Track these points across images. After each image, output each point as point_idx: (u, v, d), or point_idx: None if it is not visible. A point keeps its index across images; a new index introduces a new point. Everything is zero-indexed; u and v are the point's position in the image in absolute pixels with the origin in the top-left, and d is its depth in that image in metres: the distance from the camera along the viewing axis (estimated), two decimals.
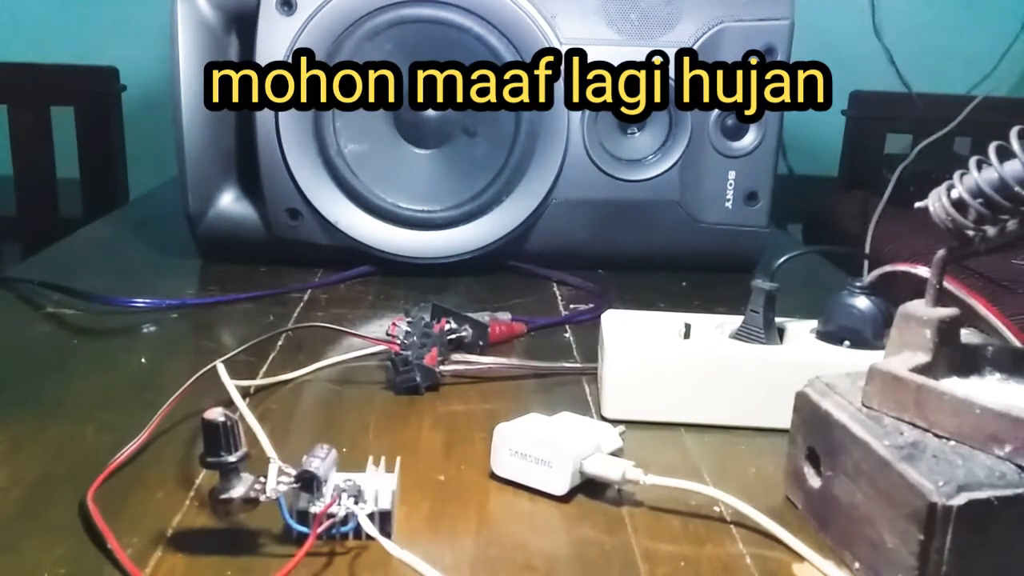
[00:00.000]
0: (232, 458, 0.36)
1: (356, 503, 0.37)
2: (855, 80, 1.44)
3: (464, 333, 0.59)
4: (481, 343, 0.59)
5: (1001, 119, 0.44)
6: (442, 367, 0.55)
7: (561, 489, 0.42)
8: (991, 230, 0.39)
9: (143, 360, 0.58)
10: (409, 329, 0.55)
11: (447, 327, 0.57)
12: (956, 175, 0.39)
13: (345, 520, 0.37)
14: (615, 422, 0.49)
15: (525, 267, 0.80)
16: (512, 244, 0.78)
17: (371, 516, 0.37)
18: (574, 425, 0.47)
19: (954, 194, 0.39)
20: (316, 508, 0.37)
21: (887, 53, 1.52)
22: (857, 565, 0.37)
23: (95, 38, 1.46)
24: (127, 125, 1.43)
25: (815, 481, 0.41)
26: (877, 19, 1.50)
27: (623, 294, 0.74)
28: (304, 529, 0.37)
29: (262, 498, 0.36)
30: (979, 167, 0.38)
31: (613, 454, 0.45)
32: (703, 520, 0.41)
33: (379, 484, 0.38)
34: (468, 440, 0.48)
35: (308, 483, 0.37)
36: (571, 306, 0.72)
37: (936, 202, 0.40)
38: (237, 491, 0.36)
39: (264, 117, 0.74)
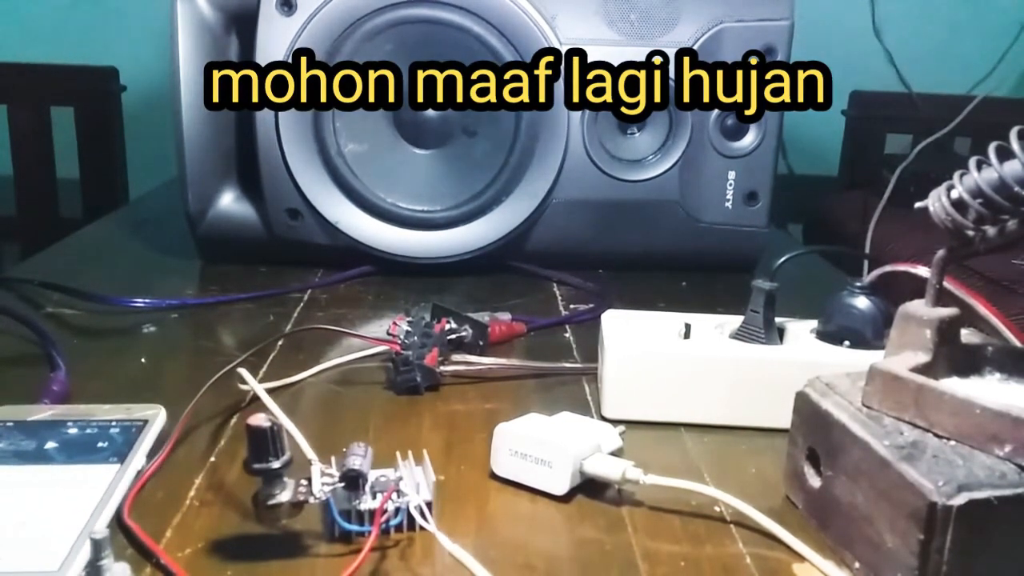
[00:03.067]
0: (278, 464, 0.36)
1: (399, 496, 0.37)
2: (855, 80, 1.44)
3: (464, 333, 0.59)
4: (481, 343, 0.59)
5: (1001, 119, 0.44)
6: (442, 367, 0.55)
7: (561, 489, 0.42)
8: (991, 230, 0.39)
9: (143, 360, 0.58)
10: (409, 329, 0.55)
11: (447, 327, 0.57)
12: (956, 175, 0.39)
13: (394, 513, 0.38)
14: (615, 422, 0.49)
15: (525, 267, 0.80)
16: (512, 244, 0.78)
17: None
18: (574, 425, 0.47)
19: (954, 194, 0.39)
20: (364, 506, 0.37)
21: (887, 53, 1.52)
22: (857, 565, 0.37)
23: (95, 38, 1.46)
24: (127, 125, 1.44)
25: (815, 481, 0.41)
26: (877, 19, 1.50)
27: (623, 294, 0.74)
28: (355, 527, 0.37)
29: (311, 500, 0.37)
30: (979, 167, 0.38)
31: (613, 454, 0.45)
32: (703, 520, 0.41)
33: (417, 477, 0.39)
34: (468, 440, 0.48)
35: (354, 481, 0.37)
36: (571, 306, 0.72)
37: (936, 202, 0.40)
38: (284, 495, 0.36)
39: (264, 117, 0.75)
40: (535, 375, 0.57)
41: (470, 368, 0.56)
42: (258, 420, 0.36)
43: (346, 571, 0.34)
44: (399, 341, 0.54)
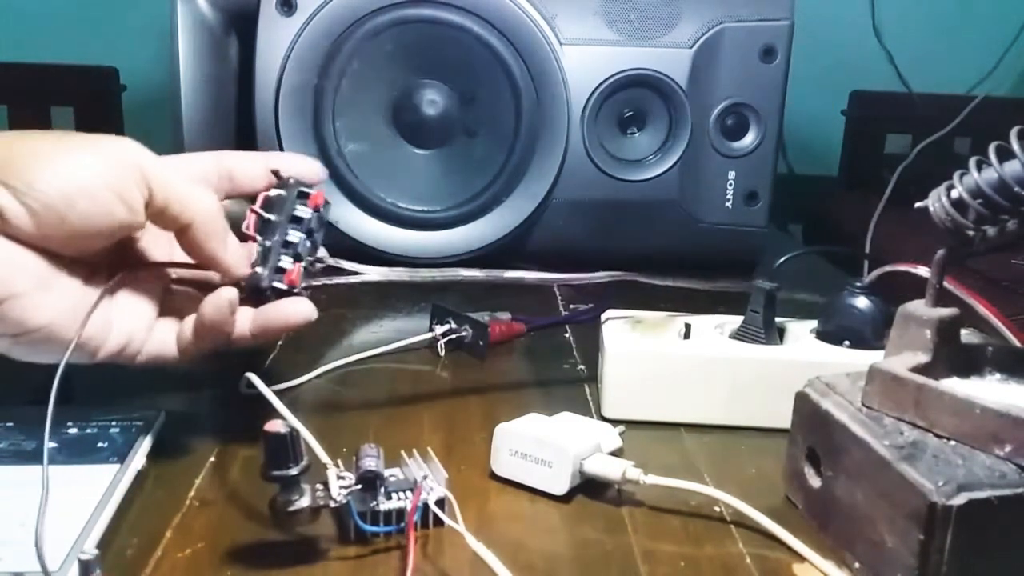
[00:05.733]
0: (295, 470, 0.36)
1: (412, 494, 0.38)
2: (855, 80, 1.44)
3: (464, 333, 0.59)
4: (481, 343, 0.59)
5: (1001, 119, 0.44)
6: (310, 282, 0.44)
7: (561, 489, 0.42)
8: (991, 230, 0.39)
9: None
10: (271, 217, 0.44)
11: (448, 327, 0.56)
12: (956, 175, 0.39)
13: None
14: (615, 422, 0.49)
15: (525, 267, 0.80)
16: (512, 244, 0.78)
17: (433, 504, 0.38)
18: (574, 425, 0.47)
19: (954, 194, 0.39)
20: (383, 506, 0.37)
21: (887, 53, 1.51)
22: (857, 565, 0.37)
23: (95, 38, 1.45)
24: (127, 125, 1.43)
25: (815, 481, 0.41)
26: (877, 19, 1.50)
27: (623, 294, 0.74)
28: (376, 528, 0.37)
29: (331, 504, 0.36)
30: (979, 167, 0.38)
31: (613, 454, 0.45)
32: (703, 520, 0.41)
33: (428, 474, 0.39)
34: (468, 440, 0.48)
35: (371, 483, 0.37)
36: (571, 306, 0.72)
37: (936, 202, 0.40)
38: (304, 501, 0.36)
39: (264, 117, 0.75)
40: (535, 375, 0.57)
41: (339, 282, 0.47)
42: (276, 426, 0.36)
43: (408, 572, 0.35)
44: (258, 245, 0.44)
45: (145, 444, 0.44)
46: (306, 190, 0.45)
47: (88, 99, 1.39)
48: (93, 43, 1.45)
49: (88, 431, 0.45)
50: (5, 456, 0.42)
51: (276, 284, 0.43)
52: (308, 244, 0.44)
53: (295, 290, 0.43)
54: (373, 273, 0.47)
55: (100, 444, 0.44)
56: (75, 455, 0.42)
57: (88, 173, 0.40)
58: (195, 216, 0.43)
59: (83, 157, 0.40)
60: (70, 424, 0.45)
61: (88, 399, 0.50)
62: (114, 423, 0.45)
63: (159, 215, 0.42)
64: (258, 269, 0.43)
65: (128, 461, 0.42)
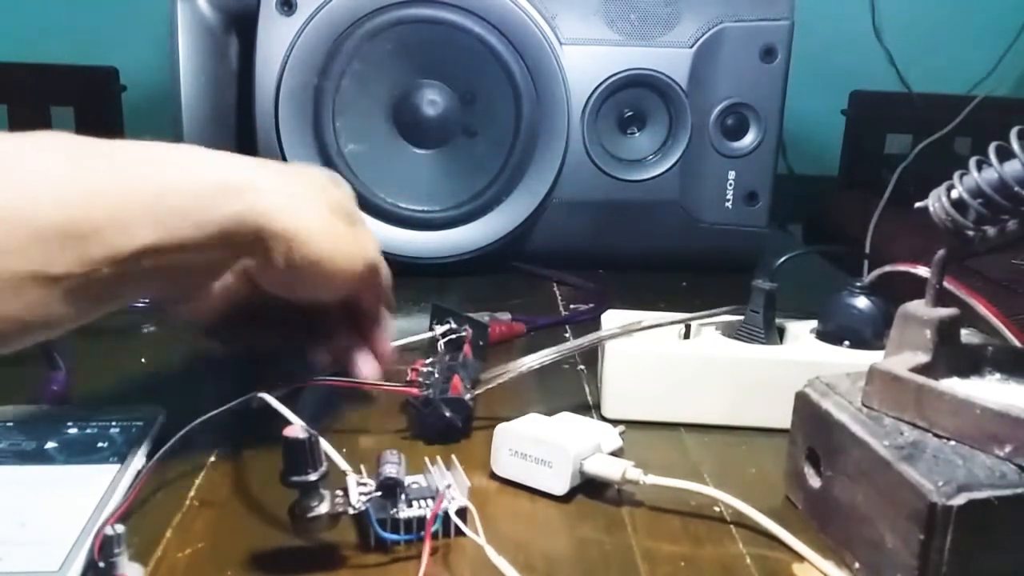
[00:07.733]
0: (315, 476, 0.35)
1: (432, 502, 0.38)
2: (855, 80, 1.44)
3: (464, 333, 0.59)
4: (481, 343, 0.59)
5: (1001, 119, 0.44)
6: (472, 392, 0.49)
7: (561, 489, 0.42)
8: (991, 230, 0.39)
9: (143, 360, 0.58)
10: (430, 369, 0.50)
11: (448, 328, 0.56)
12: (956, 175, 0.39)
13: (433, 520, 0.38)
14: (615, 422, 0.49)
15: (525, 267, 0.80)
16: (512, 244, 0.79)
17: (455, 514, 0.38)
18: (574, 425, 0.47)
19: (954, 194, 0.39)
20: (403, 514, 0.37)
21: (887, 53, 1.51)
22: (857, 565, 0.37)
23: (95, 38, 1.45)
24: (127, 125, 1.43)
25: (815, 481, 0.41)
26: (877, 19, 1.50)
27: (623, 294, 0.74)
28: (395, 536, 0.37)
29: (350, 511, 0.36)
30: (979, 167, 0.38)
31: (613, 454, 0.45)
32: (703, 520, 0.41)
33: (452, 483, 0.39)
34: (468, 440, 0.48)
35: (391, 490, 0.37)
36: (571, 306, 0.72)
37: (936, 202, 0.40)
38: (323, 507, 0.36)
39: (264, 118, 0.75)
40: (535, 375, 0.57)
41: (500, 379, 0.50)
42: (295, 431, 0.35)
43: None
44: (420, 382, 0.49)
45: (145, 444, 0.44)
46: (460, 338, 0.54)
47: (88, 99, 1.40)
48: (93, 43, 1.45)
49: (88, 431, 0.45)
50: (5, 456, 0.42)
51: (443, 396, 0.48)
52: (464, 371, 0.50)
53: (461, 399, 0.48)
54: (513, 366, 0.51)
55: (100, 444, 0.44)
56: (75, 455, 0.42)
57: (355, 252, 0.44)
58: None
59: (357, 235, 0.45)
60: (70, 424, 0.45)
61: (88, 399, 0.51)
62: (114, 423, 0.45)
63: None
64: (428, 392, 0.48)
65: (128, 461, 0.42)
